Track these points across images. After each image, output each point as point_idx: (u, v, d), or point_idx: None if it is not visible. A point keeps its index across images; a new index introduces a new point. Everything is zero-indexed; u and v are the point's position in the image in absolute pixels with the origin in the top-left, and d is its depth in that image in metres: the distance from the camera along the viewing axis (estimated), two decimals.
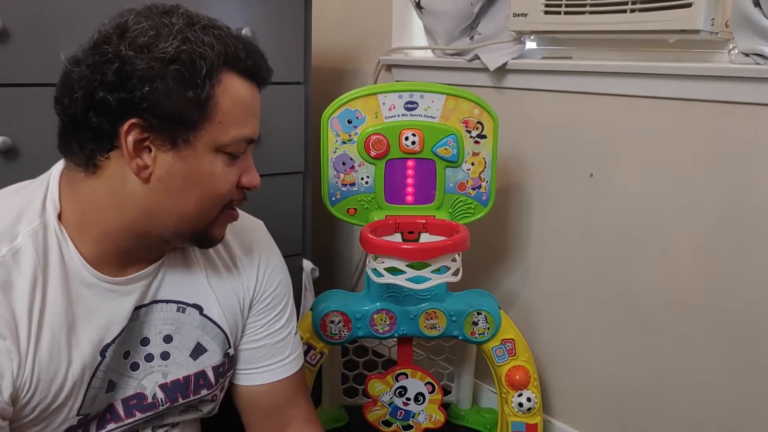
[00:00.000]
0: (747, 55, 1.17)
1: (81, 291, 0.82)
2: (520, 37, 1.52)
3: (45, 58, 1.22)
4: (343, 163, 1.41)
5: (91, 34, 0.79)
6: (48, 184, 0.83)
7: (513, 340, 1.44)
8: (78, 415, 0.85)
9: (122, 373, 0.89)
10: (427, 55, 1.78)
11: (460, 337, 1.44)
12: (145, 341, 0.90)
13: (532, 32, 1.49)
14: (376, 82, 1.87)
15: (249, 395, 1.01)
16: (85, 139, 0.78)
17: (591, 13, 1.33)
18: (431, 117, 1.39)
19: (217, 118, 0.78)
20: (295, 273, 1.62)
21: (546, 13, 1.40)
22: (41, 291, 0.79)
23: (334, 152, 1.40)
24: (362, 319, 1.41)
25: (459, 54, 1.64)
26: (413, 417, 1.51)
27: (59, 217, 0.81)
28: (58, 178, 0.84)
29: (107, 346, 0.85)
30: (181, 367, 0.93)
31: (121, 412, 0.90)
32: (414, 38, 1.83)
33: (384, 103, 1.38)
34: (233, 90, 0.79)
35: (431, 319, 1.42)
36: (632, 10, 1.27)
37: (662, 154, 1.34)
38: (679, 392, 1.38)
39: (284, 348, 1.01)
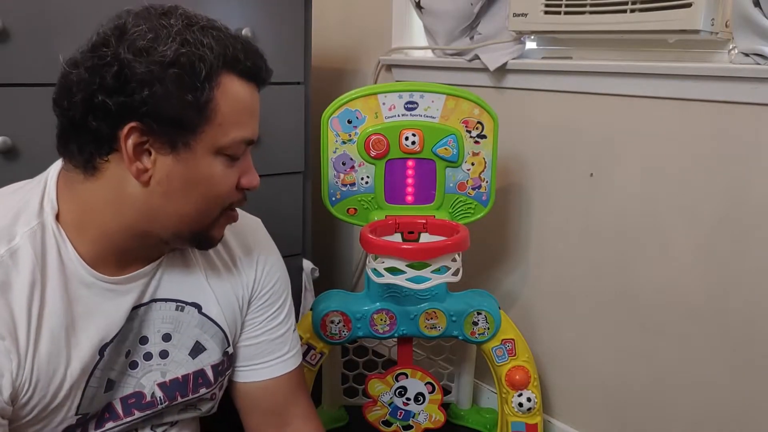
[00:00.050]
0: (747, 55, 1.17)
1: (80, 291, 0.82)
2: (520, 37, 1.52)
3: (45, 58, 1.22)
4: (343, 163, 1.41)
5: (90, 34, 0.79)
6: (45, 184, 0.83)
7: (513, 340, 1.44)
8: (76, 414, 0.85)
9: (121, 372, 0.89)
10: (427, 55, 1.78)
11: (460, 337, 1.44)
12: (144, 340, 0.90)
13: (532, 32, 1.49)
14: (376, 82, 1.87)
15: (248, 393, 1.01)
16: (84, 142, 0.78)
17: (591, 13, 1.33)
18: (431, 117, 1.39)
19: (216, 120, 0.78)
20: (295, 273, 1.62)
21: (546, 13, 1.40)
22: (40, 291, 0.79)
23: (334, 152, 1.40)
24: (362, 319, 1.41)
25: (459, 54, 1.64)
26: (413, 417, 1.51)
27: (57, 217, 0.81)
28: (56, 178, 0.84)
29: (106, 345, 0.85)
30: (180, 366, 0.93)
31: (120, 411, 0.90)
32: (414, 38, 1.83)
33: (384, 103, 1.38)
34: (233, 92, 0.79)
35: (431, 319, 1.42)
36: (632, 10, 1.27)
37: (662, 154, 1.34)
38: (679, 392, 1.38)
39: (283, 344, 1.01)
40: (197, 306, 0.93)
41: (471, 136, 1.40)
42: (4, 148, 1.20)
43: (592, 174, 1.46)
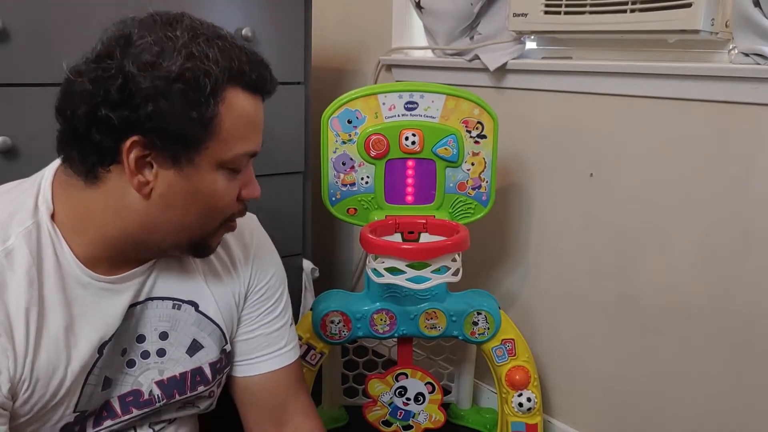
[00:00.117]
0: (747, 55, 1.17)
1: (77, 291, 0.82)
2: (520, 37, 1.52)
3: (45, 58, 1.22)
4: (343, 163, 1.41)
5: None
6: (40, 184, 0.83)
7: (513, 340, 1.44)
8: (74, 412, 0.85)
9: (118, 370, 0.89)
10: (427, 55, 1.78)
11: (460, 337, 1.44)
12: (141, 338, 0.90)
13: (532, 32, 1.49)
14: (376, 82, 1.87)
15: (246, 388, 1.01)
16: (86, 152, 0.77)
17: (591, 13, 1.33)
18: (431, 117, 1.39)
19: (220, 135, 0.78)
20: (295, 273, 1.62)
21: (546, 13, 1.40)
22: (38, 292, 0.79)
23: (334, 152, 1.40)
24: (362, 319, 1.41)
25: (459, 54, 1.64)
26: (413, 417, 1.51)
27: (52, 217, 0.81)
28: (51, 178, 0.83)
29: (105, 344, 0.85)
30: (178, 364, 0.93)
31: (118, 409, 0.90)
32: (414, 38, 1.83)
33: (384, 103, 1.38)
34: (237, 106, 0.78)
35: (431, 319, 1.42)
36: (632, 10, 1.27)
37: (662, 154, 1.34)
38: (679, 392, 1.38)
39: (280, 338, 1.01)
40: (194, 304, 0.93)
41: (471, 136, 1.40)
42: (4, 148, 1.20)
43: (592, 174, 1.46)
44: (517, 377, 1.43)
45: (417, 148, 1.39)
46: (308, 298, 1.63)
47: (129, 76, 0.73)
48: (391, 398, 1.49)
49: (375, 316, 1.41)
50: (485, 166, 1.42)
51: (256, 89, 0.81)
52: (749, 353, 1.26)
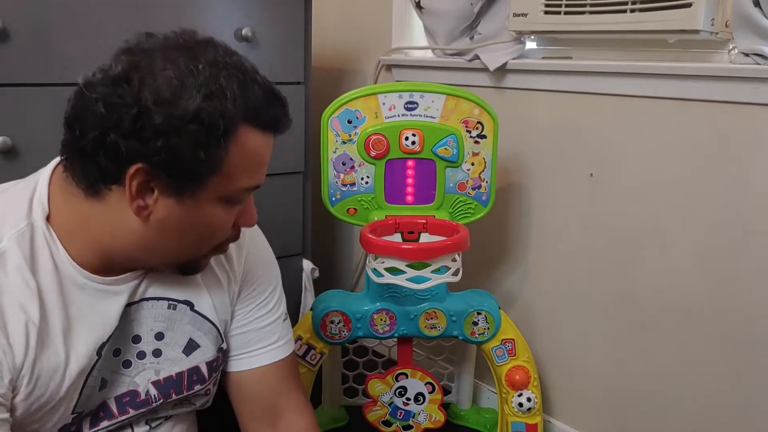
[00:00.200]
0: (747, 55, 1.17)
1: (74, 293, 0.82)
2: (520, 37, 1.52)
3: (45, 58, 1.22)
4: (343, 163, 1.41)
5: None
6: (36, 186, 0.83)
7: (513, 340, 1.44)
8: (73, 413, 0.85)
9: (114, 371, 0.89)
10: (427, 55, 1.78)
11: (460, 337, 1.44)
12: (137, 339, 0.90)
13: (532, 32, 1.49)
14: (376, 82, 1.87)
15: (237, 383, 1.00)
16: (89, 170, 0.77)
17: (591, 13, 1.33)
18: (431, 117, 1.39)
19: (225, 171, 0.77)
20: (295, 273, 1.62)
21: (546, 13, 1.40)
22: (36, 293, 0.78)
23: (334, 152, 1.40)
24: (362, 319, 1.41)
25: (459, 54, 1.64)
26: (413, 417, 1.51)
27: (47, 218, 0.81)
28: (48, 179, 0.83)
29: (102, 345, 0.85)
30: (174, 364, 0.93)
31: (114, 410, 0.90)
32: (414, 38, 1.83)
33: (384, 103, 1.38)
34: (248, 145, 0.78)
35: (431, 319, 1.42)
36: (632, 10, 1.27)
37: (662, 154, 1.34)
38: (679, 392, 1.38)
39: (272, 333, 1.01)
40: (189, 303, 0.93)
41: (471, 136, 1.40)
42: (4, 148, 1.20)
43: (592, 174, 1.46)
44: (517, 377, 1.43)
45: (417, 148, 1.39)
46: (308, 298, 1.63)
47: (144, 109, 0.72)
48: (391, 398, 1.49)
49: (375, 316, 1.41)
50: (485, 166, 1.42)
51: (269, 128, 0.81)
52: (749, 353, 1.26)
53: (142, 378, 0.91)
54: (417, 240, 1.39)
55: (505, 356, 1.45)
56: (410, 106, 1.39)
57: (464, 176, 1.42)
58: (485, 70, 1.56)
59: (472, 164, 1.41)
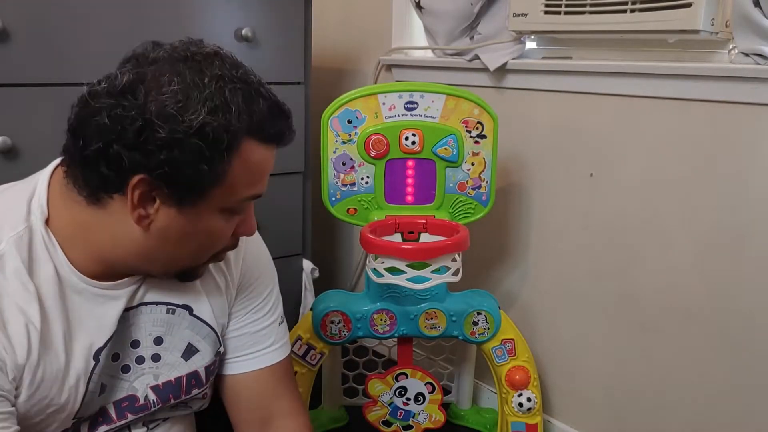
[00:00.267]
0: (747, 55, 1.17)
1: (72, 297, 0.82)
2: (520, 37, 1.52)
3: (45, 58, 1.22)
4: (343, 163, 1.41)
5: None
6: (35, 188, 0.82)
7: (513, 340, 1.44)
8: (73, 418, 0.85)
9: (113, 376, 0.89)
10: (427, 55, 1.78)
11: (460, 337, 1.44)
12: (136, 343, 0.90)
13: (532, 32, 1.49)
14: (376, 82, 1.87)
15: (231, 385, 1.00)
16: (91, 179, 0.77)
17: (591, 13, 1.33)
18: (431, 117, 1.39)
19: (227, 183, 0.77)
20: (295, 273, 1.62)
21: (546, 13, 1.40)
22: (35, 296, 0.78)
23: (334, 152, 1.40)
24: (362, 319, 1.41)
25: (459, 54, 1.64)
26: (413, 417, 1.51)
27: (46, 222, 0.80)
28: (47, 181, 0.82)
29: (100, 350, 0.85)
30: (173, 369, 0.93)
31: (113, 415, 0.90)
32: (414, 38, 1.83)
33: (384, 103, 1.38)
34: (251, 158, 0.78)
35: (431, 319, 1.42)
36: (632, 10, 1.27)
37: (662, 154, 1.34)
38: (679, 392, 1.38)
39: (267, 336, 1.00)
40: (188, 308, 0.92)
41: (471, 136, 1.40)
42: (4, 148, 1.20)
43: (592, 174, 1.46)
44: (517, 377, 1.43)
45: (417, 148, 1.39)
46: (308, 298, 1.63)
47: (148, 122, 0.72)
48: (391, 398, 1.49)
49: (375, 316, 1.41)
50: (485, 166, 1.42)
51: (272, 142, 0.81)
52: (749, 353, 1.26)
53: (141, 383, 0.91)
54: (417, 240, 1.39)
55: (505, 356, 1.45)
56: (410, 106, 1.39)
57: (464, 176, 1.42)
58: (485, 70, 1.56)
59: (472, 164, 1.41)
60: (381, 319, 1.42)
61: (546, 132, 1.52)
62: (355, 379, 1.70)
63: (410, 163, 1.41)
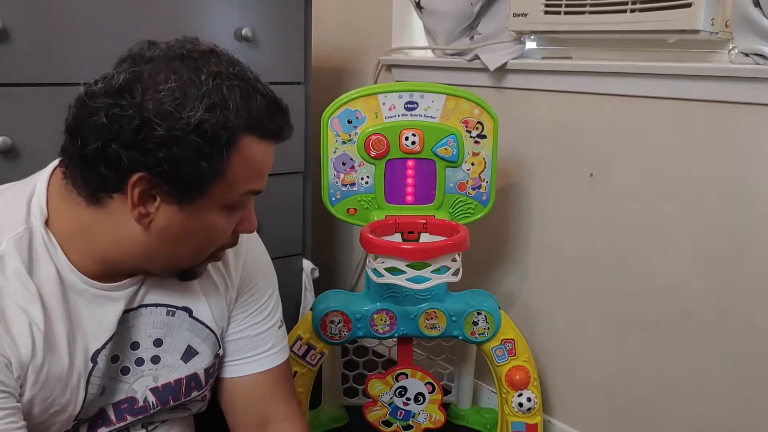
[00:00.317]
0: (747, 55, 1.17)
1: (73, 297, 0.82)
2: (520, 37, 1.52)
3: (45, 58, 1.22)
4: (343, 163, 1.41)
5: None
6: (35, 188, 0.82)
7: (513, 340, 1.44)
8: (74, 420, 0.85)
9: (113, 378, 0.88)
10: (427, 55, 1.78)
11: (460, 337, 1.44)
12: (135, 345, 0.90)
13: (532, 32, 1.49)
14: (376, 82, 1.87)
15: (230, 388, 1.00)
16: (90, 179, 0.77)
17: (591, 13, 1.33)
18: (431, 117, 1.39)
19: (227, 179, 0.77)
20: (295, 273, 1.62)
21: (546, 13, 1.40)
22: (37, 297, 0.78)
23: (334, 152, 1.40)
24: (362, 319, 1.41)
25: (459, 54, 1.64)
26: (413, 417, 1.51)
27: (46, 222, 0.80)
28: (47, 182, 0.82)
29: (98, 352, 0.84)
30: (173, 371, 0.92)
31: (113, 417, 0.90)
32: (414, 38, 1.83)
33: (384, 103, 1.38)
34: (249, 154, 0.78)
35: (431, 319, 1.42)
36: (632, 10, 1.27)
37: (662, 154, 1.34)
38: (679, 392, 1.38)
39: (266, 340, 1.00)
40: (188, 310, 0.92)
41: (471, 136, 1.40)
42: (4, 148, 1.20)
43: (592, 174, 1.46)
44: (517, 377, 1.43)
45: (417, 148, 1.39)
46: (308, 298, 1.63)
47: (146, 121, 0.72)
48: (391, 398, 1.49)
49: (375, 316, 1.41)
50: (485, 166, 1.42)
51: (270, 137, 0.81)
52: (749, 352, 1.26)
53: (140, 385, 0.91)
54: (417, 240, 1.39)
55: (505, 356, 1.45)
56: (410, 106, 1.39)
57: (464, 176, 1.42)
58: (485, 70, 1.56)
59: (472, 164, 1.41)
60: (381, 319, 1.42)
61: (546, 132, 1.52)
62: (355, 379, 1.70)
63: (410, 163, 1.41)
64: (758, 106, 1.18)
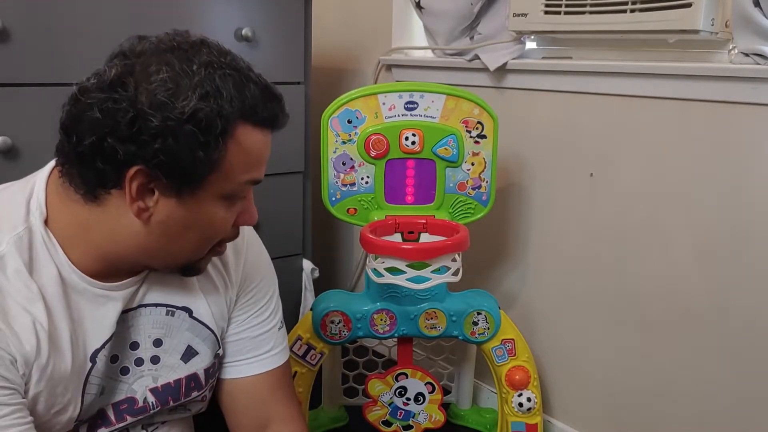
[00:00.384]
0: (747, 55, 1.17)
1: (73, 297, 0.82)
2: (520, 37, 1.52)
3: (45, 58, 1.22)
4: (343, 163, 1.41)
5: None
6: (33, 188, 0.82)
7: (513, 340, 1.44)
8: (75, 421, 0.85)
9: (112, 378, 0.88)
10: (427, 55, 1.78)
11: (460, 337, 1.44)
12: (135, 345, 0.89)
13: (532, 32, 1.49)
14: (376, 82, 1.87)
15: (230, 389, 1.00)
16: (88, 175, 0.77)
17: (591, 13, 1.33)
18: (431, 117, 1.39)
19: (224, 169, 0.77)
20: (295, 273, 1.62)
21: (546, 13, 1.40)
22: (39, 296, 0.78)
23: (334, 152, 1.40)
24: (362, 319, 1.41)
25: (459, 54, 1.64)
26: (413, 417, 1.51)
27: (45, 222, 0.80)
28: (45, 181, 0.82)
29: (97, 351, 0.84)
30: (172, 371, 0.92)
31: (112, 417, 0.90)
32: (414, 38, 1.83)
33: (384, 103, 1.38)
34: (246, 142, 0.78)
35: (431, 319, 1.42)
36: (632, 10, 1.27)
37: (662, 154, 1.34)
38: (679, 392, 1.38)
39: (265, 342, 1.00)
40: (188, 310, 0.92)
41: (471, 136, 1.40)
42: (4, 148, 1.20)
43: (592, 174, 1.46)
44: (517, 377, 1.43)
45: (417, 148, 1.39)
46: (308, 298, 1.63)
47: (140, 112, 0.72)
48: (391, 398, 1.49)
49: (375, 316, 1.41)
50: (485, 166, 1.42)
51: (266, 125, 0.80)
52: (749, 352, 1.26)
53: (139, 385, 0.91)
54: (417, 240, 1.39)
55: (505, 356, 1.45)
56: (410, 106, 1.39)
57: (464, 176, 1.42)
58: (485, 70, 1.56)
59: (472, 164, 1.41)
60: (381, 319, 1.42)
61: (546, 132, 1.52)
62: (355, 379, 1.70)
63: (410, 163, 1.41)
64: (758, 106, 1.18)
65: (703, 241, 1.30)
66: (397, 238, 1.39)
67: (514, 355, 1.45)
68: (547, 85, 1.50)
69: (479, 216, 1.45)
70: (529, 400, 1.44)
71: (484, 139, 1.40)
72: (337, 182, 1.42)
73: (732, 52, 1.24)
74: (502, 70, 1.55)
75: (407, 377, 1.48)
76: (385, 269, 1.27)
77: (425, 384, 1.49)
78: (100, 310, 0.84)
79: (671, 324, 1.37)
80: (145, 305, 0.89)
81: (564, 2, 1.37)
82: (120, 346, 0.88)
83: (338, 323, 1.41)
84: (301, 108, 1.54)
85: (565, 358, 1.58)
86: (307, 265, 1.64)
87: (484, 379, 1.75)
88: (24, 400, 0.77)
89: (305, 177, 1.60)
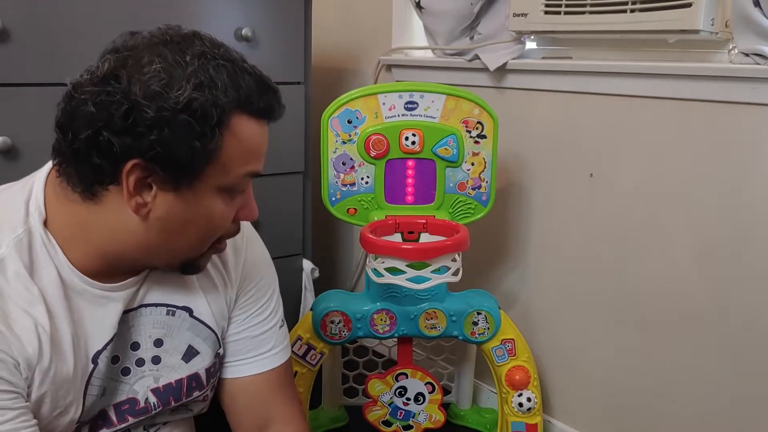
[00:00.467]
0: (747, 55, 1.17)
1: (74, 298, 0.81)
2: (520, 37, 1.52)
3: (45, 58, 1.22)
4: (343, 163, 1.41)
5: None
6: (32, 189, 0.82)
7: (513, 340, 1.44)
8: (77, 422, 0.85)
9: (113, 379, 0.88)
10: (427, 55, 1.78)
11: (460, 337, 1.44)
12: (135, 346, 0.89)
13: (532, 32, 1.49)
14: (376, 82, 1.87)
15: (231, 389, 0.99)
16: (84, 172, 0.76)
17: (591, 13, 1.33)
18: (431, 117, 1.39)
19: (222, 160, 0.77)
20: (295, 273, 1.63)
21: (546, 13, 1.40)
22: (40, 299, 0.78)
23: (334, 152, 1.40)
24: (362, 319, 1.41)
25: (459, 54, 1.64)
26: (413, 417, 1.51)
27: (45, 223, 0.80)
28: (43, 182, 0.82)
29: (98, 353, 0.84)
30: (174, 371, 0.92)
31: (114, 418, 0.90)
32: (414, 38, 1.84)
33: (384, 103, 1.38)
34: (242, 133, 0.77)
35: (431, 319, 1.42)
36: (632, 10, 1.27)
37: (662, 154, 1.34)
38: (679, 392, 1.38)
39: (266, 341, 1.00)
40: (188, 310, 0.92)
41: (471, 136, 1.40)
42: (4, 148, 1.20)
43: (592, 174, 1.46)
44: (517, 377, 1.43)
45: (417, 148, 1.39)
46: (308, 298, 1.63)
47: (135, 104, 0.71)
48: (391, 398, 1.49)
49: (375, 316, 1.41)
50: (485, 166, 1.42)
51: (262, 116, 0.80)
52: (749, 352, 1.26)
53: (141, 385, 0.90)
54: (417, 240, 1.39)
55: (505, 356, 1.45)
56: (410, 106, 1.39)
57: (464, 176, 1.42)
58: (485, 70, 1.56)
59: (472, 164, 1.42)
60: (381, 319, 1.42)
61: (546, 132, 1.52)
62: (355, 379, 1.70)
63: (410, 163, 1.41)
64: (758, 106, 1.18)
65: (703, 241, 1.30)
66: (397, 238, 1.39)
67: (514, 355, 1.45)
68: (547, 85, 1.50)
69: (479, 216, 1.45)
70: (529, 400, 1.44)
71: (484, 139, 1.40)
72: (337, 182, 1.42)
73: (732, 52, 1.24)
74: (502, 70, 1.55)
75: (407, 377, 1.48)
76: (385, 269, 1.27)
77: (425, 384, 1.49)
78: (101, 311, 0.84)
79: (671, 324, 1.37)
80: (146, 305, 0.89)
81: (564, 2, 1.37)
82: (121, 347, 0.88)
83: (338, 323, 1.41)
84: (301, 108, 1.54)
85: (565, 358, 1.58)
86: (307, 265, 1.64)
87: (484, 379, 1.75)
88: (27, 404, 0.77)
89: (305, 177, 1.60)
